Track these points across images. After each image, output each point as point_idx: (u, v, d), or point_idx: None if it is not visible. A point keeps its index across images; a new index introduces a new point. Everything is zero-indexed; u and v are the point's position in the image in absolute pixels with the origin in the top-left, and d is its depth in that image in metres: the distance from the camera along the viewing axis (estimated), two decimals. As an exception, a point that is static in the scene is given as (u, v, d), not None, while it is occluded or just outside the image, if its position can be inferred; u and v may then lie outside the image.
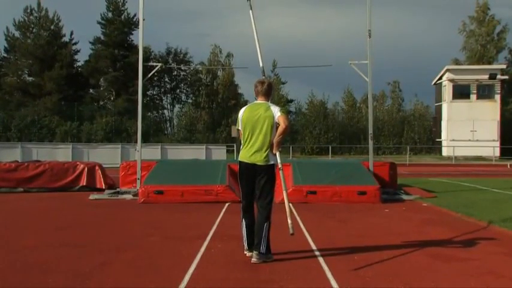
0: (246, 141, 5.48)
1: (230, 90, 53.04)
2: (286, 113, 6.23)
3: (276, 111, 5.43)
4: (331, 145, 39.60)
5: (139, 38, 12.75)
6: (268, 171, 5.41)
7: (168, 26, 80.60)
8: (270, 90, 5.62)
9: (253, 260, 5.28)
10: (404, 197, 11.71)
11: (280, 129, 5.34)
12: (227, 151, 32.16)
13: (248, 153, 5.43)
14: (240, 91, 55.14)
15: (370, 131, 12.63)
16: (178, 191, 10.75)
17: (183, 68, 53.83)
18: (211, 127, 48.79)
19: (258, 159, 5.38)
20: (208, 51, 54.41)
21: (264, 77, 6.15)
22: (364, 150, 38.84)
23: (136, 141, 14.84)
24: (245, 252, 5.52)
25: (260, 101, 5.57)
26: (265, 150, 5.38)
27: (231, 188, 10.90)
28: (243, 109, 5.64)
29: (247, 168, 5.42)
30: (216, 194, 10.69)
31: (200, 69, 54.41)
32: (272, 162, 5.44)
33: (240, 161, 5.51)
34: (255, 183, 5.43)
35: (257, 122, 5.40)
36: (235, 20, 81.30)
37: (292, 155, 37.35)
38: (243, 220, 5.56)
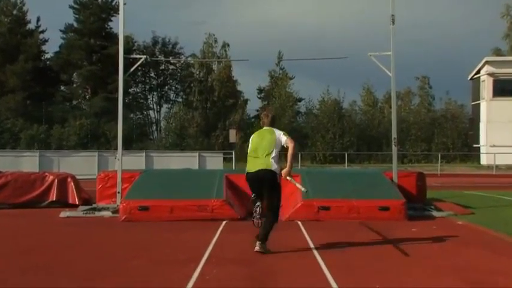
0: (250, 156, 7.56)
1: (227, 87, 53.18)
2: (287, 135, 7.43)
3: (281, 134, 7.60)
4: (347, 152, 39.60)
5: (119, 25, 12.78)
6: (273, 177, 7.35)
7: (154, 12, 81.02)
8: (273, 122, 7.86)
9: (256, 248, 7.23)
10: (435, 213, 11.71)
11: (290, 150, 7.34)
12: (224, 159, 32.17)
13: (252, 164, 7.48)
14: (239, 88, 55.33)
15: (394, 135, 12.64)
16: (167, 206, 10.77)
17: (171, 61, 54.02)
18: (205, 131, 48.89)
19: (261, 164, 7.37)
20: (202, 41, 54.65)
21: (268, 108, 8.63)
22: (387, 158, 38.80)
23: (116, 148, 14.86)
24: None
25: (266, 127, 7.79)
26: (266, 156, 7.40)
27: (229, 203, 10.92)
28: (252, 135, 7.80)
29: (253, 177, 7.43)
30: (211, 210, 10.71)
31: (192, 62, 54.57)
32: (275, 169, 7.34)
33: (247, 173, 7.53)
34: (263, 189, 7.37)
35: (262, 141, 7.58)
36: (233, 5, 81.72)
37: (301, 163, 37.35)
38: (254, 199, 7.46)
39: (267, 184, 7.35)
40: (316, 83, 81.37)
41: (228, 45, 54.58)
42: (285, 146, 7.49)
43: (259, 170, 7.35)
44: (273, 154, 7.44)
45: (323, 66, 76.12)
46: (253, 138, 7.76)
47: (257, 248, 7.26)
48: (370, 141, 46.35)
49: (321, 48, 68.71)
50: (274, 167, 7.37)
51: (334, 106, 47.84)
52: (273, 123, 7.86)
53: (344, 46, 67.42)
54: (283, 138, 7.53)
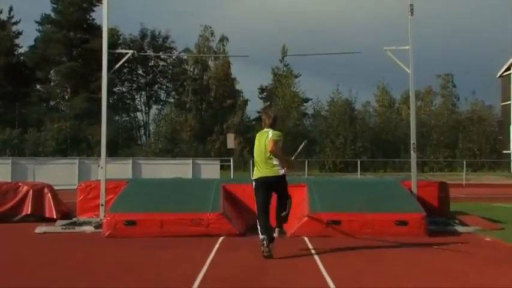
0: (257, 164, 8.77)
1: (225, 85, 53.39)
2: (278, 136, 7.91)
3: (270, 135, 8.60)
4: (359, 159, 39.61)
5: (103, 16, 12.80)
6: (281, 180, 8.73)
7: (143, 1, 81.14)
8: (275, 123, 8.82)
9: (275, 234, 8.68)
10: (460, 228, 11.70)
11: (273, 155, 8.56)
12: (221, 167, 32.20)
13: (261, 172, 8.69)
14: (238, 87, 55.59)
15: (413, 139, 12.64)
16: (156, 220, 10.77)
17: (162, 57, 54.27)
18: (200, 135, 49.00)
19: (268, 171, 8.65)
20: (197, 35, 54.89)
21: (271, 110, 9.81)
22: (405, 165, 38.83)
23: (99, 155, 14.87)
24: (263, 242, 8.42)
25: (265, 129, 8.81)
26: (273, 167, 8.64)
27: (227, 216, 10.92)
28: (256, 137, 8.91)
29: (263, 182, 8.63)
30: (206, 224, 10.70)
31: (185, 57, 54.76)
32: (281, 173, 8.67)
33: (255, 179, 8.76)
34: (271, 192, 8.71)
35: (262, 148, 8.70)
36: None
37: (307, 172, 37.35)
38: (261, 217, 8.63)
39: (276, 186, 8.74)
40: (325, 82, 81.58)
41: (227, 40, 54.87)
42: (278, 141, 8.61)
43: (267, 177, 8.63)
44: (279, 153, 8.63)
45: (333, 62, 76.42)
46: (255, 142, 8.87)
47: (276, 234, 8.70)
48: (385, 146, 46.40)
49: (331, 43, 68.85)
50: (280, 172, 8.66)
51: (345, 107, 47.94)
52: (274, 124, 8.80)
53: (357, 40, 67.67)
54: (267, 140, 8.60)
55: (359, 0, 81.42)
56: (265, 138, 8.73)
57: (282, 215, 8.86)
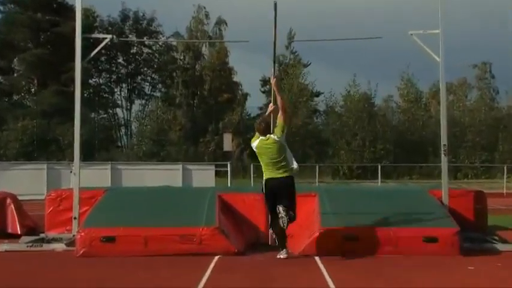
0: (267, 167, 10.37)
1: (222, 77, 53.42)
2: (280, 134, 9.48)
3: (276, 135, 10.39)
4: (380, 163, 39.58)
5: (76, -6, 12.85)
6: (291, 181, 10.39)
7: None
8: (268, 128, 10.53)
9: (283, 256, 10.22)
10: (500, 246, 11.67)
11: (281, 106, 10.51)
12: (217, 173, 32.20)
13: (272, 174, 10.31)
14: (236, 78, 55.59)
15: (444, 140, 12.63)
16: (140, 237, 10.77)
17: (147, 43, 54.22)
18: (191, 136, 49.02)
19: (280, 173, 10.31)
20: (188, 17, 54.94)
21: (259, 120, 10.90)
22: (434, 171, 38.83)
23: (72, 159, 14.88)
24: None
25: (263, 137, 10.41)
26: (284, 168, 10.33)
27: (223, 231, 10.91)
28: (256, 141, 10.50)
29: (273, 183, 10.26)
30: (199, 241, 10.70)
31: (174, 44, 54.75)
32: (292, 173, 10.42)
33: (266, 179, 10.38)
34: (279, 193, 10.21)
35: (269, 150, 10.33)
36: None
37: (319, 179, 37.39)
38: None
39: (286, 189, 10.28)
40: (340, 72, 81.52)
41: (225, 23, 54.86)
42: (282, 130, 10.42)
43: (279, 178, 10.28)
44: (284, 158, 10.36)
45: (349, 49, 76.19)
46: (258, 144, 10.45)
47: (283, 256, 10.21)
48: (411, 149, 46.37)
49: (346, 26, 68.72)
50: (291, 171, 10.43)
51: (364, 102, 47.95)
52: (269, 131, 10.46)
53: (377, 23, 67.52)
54: (279, 136, 10.35)
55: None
56: (272, 146, 10.32)
57: (280, 242, 10.47)
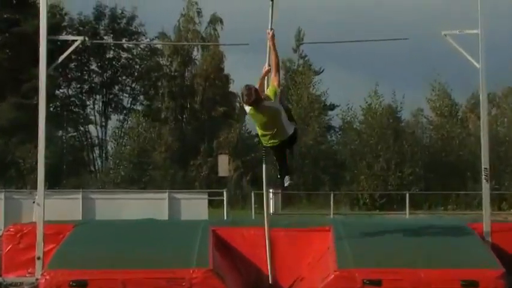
0: (261, 136, 10.95)
1: (216, 86, 53.56)
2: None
3: (272, 100, 10.69)
4: (408, 191, 39.52)
5: (41, -12, 12.81)
6: (292, 136, 11.05)
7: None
8: (259, 99, 10.52)
9: (287, 184, 11.11)
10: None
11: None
12: (210, 203, 32.17)
13: (267, 143, 10.94)
14: (232, 88, 55.60)
15: (485, 163, 12.53)
16: (117, 280, 10.68)
17: (126, 46, 54.39)
18: (180, 158, 49.05)
19: (279, 139, 10.84)
20: (177, 15, 55.16)
21: (245, 89, 10.60)
22: (474, 200, 38.75)
23: (35, 186, 14.81)
24: None
25: (254, 108, 10.68)
26: (281, 137, 10.83)
27: (218, 274, 10.84)
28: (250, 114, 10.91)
29: (271, 148, 11.08)
30: (189, 285, 10.63)
31: (160, 47, 54.90)
32: (291, 132, 10.99)
33: (264, 147, 11.28)
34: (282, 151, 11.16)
35: (263, 121, 10.73)
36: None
37: (334, 209, 37.34)
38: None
39: (288, 144, 11.18)
40: (359, 80, 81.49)
41: (221, 21, 55.02)
42: (274, 93, 10.77)
43: (277, 145, 10.90)
44: (281, 127, 10.77)
45: (369, 53, 76.22)
46: (251, 118, 11.10)
47: (287, 183, 11.11)
48: (446, 173, 46.41)
49: (365, 26, 69.02)
50: (290, 131, 10.96)
51: (388, 117, 48.01)
52: (260, 99, 10.55)
53: (402, 22, 67.84)
54: (273, 102, 10.72)
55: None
56: (269, 115, 10.67)
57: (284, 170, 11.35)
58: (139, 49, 55.12)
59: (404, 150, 46.43)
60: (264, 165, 11.99)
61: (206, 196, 32.33)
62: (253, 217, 29.55)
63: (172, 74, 54.35)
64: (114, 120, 54.89)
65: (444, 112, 52.12)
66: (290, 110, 11.93)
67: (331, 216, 33.47)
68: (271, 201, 36.37)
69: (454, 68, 48.70)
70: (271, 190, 36.68)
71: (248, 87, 10.59)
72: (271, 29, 11.17)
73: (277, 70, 10.92)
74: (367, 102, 49.75)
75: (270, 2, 11.20)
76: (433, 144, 49.69)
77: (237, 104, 55.51)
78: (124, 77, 55.97)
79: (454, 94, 52.72)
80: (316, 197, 45.27)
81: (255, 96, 10.49)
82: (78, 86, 55.15)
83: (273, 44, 11.06)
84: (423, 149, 48.06)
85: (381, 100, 49.14)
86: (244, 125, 54.11)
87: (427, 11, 70.21)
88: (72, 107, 54.57)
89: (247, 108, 10.72)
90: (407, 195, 37.69)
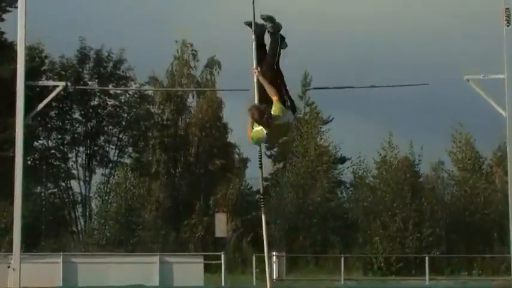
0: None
1: (213, 137, 53.52)
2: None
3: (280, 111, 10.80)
4: (428, 254, 39.33)
5: (18, 27, 12.88)
6: None
7: (82, 1, 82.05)
8: (268, 116, 10.62)
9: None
10: None
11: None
12: (206, 267, 31.98)
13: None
14: (232, 139, 55.56)
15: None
16: None
17: (113, 92, 54.41)
18: (172, 216, 48.87)
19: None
20: (170, 57, 55.32)
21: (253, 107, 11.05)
22: (502, 264, 38.54)
23: (10, 249, 14.78)
24: None
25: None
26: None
27: None
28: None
29: None
30: None
31: (150, 93, 54.97)
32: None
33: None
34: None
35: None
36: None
37: (345, 274, 37.16)
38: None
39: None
40: (372, 130, 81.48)
41: (218, 65, 55.16)
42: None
43: None
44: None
45: (383, 99, 76.45)
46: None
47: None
48: (470, 234, 46.21)
49: (378, 69, 69.33)
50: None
51: (405, 171, 47.92)
52: (270, 115, 10.70)
53: (420, 65, 68.04)
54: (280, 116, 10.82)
55: (427, 6, 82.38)
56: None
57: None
58: (128, 95, 55.05)
59: (423, 208, 46.22)
60: (263, 224, 11.73)
61: (202, 260, 32.24)
62: (254, 283, 29.41)
63: (164, 123, 54.37)
64: (99, 174, 54.56)
65: (467, 166, 51.95)
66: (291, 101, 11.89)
67: (342, 282, 33.38)
68: (274, 265, 36.19)
69: (477, 116, 48.83)
70: (274, 253, 36.59)
71: (256, 107, 11.07)
72: (258, 66, 11.44)
73: (275, 94, 11.04)
74: (380, 155, 49.77)
75: (253, 36, 11.55)
76: (455, 201, 49.49)
77: (236, 156, 55.67)
78: (110, 127, 55.71)
79: (478, 145, 52.66)
80: (325, 260, 44.90)
81: (267, 114, 10.75)
82: (59, 136, 54.92)
83: (264, 79, 11.25)
84: (444, 206, 47.85)
85: (397, 152, 49.12)
86: (245, 180, 53.99)
87: (447, 53, 70.49)
88: (53, 160, 54.33)
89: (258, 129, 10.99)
90: (426, 258, 37.54)
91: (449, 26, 75.72)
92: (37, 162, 51.34)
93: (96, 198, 52.33)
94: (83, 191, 54.36)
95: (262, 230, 11.70)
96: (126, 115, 55.19)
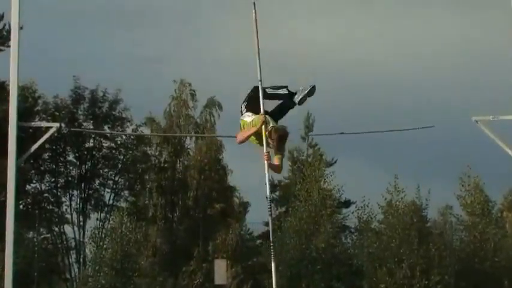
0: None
1: (212, 180, 53.47)
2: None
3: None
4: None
5: (11, 67, 12.81)
6: None
7: (76, 40, 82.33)
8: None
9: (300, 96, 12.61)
10: None
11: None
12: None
13: None
14: (232, 182, 55.50)
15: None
16: None
17: (108, 134, 54.53)
18: (170, 263, 48.74)
19: None
20: (167, 98, 55.44)
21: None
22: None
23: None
24: None
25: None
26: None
27: None
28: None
29: None
30: None
31: (147, 135, 55.06)
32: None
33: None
34: None
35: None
36: (225, 26, 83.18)
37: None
38: None
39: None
40: (377, 173, 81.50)
41: (219, 106, 55.26)
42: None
43: None
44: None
45: (388, 142, 76.61)
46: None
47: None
48: (480, 281, 46.03)
49: (383, 111, 69.47)
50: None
51: (411, 215, 47.86)
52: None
53: (425, 106, 68.18)
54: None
55: (435, 41, 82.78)
56: None
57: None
58: (124, 138, 55.17)
59: (431, 255, 46.03)
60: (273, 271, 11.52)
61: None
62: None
63: (162, 165, 54.42)
64: (93, 219, 54.56)
65: (476, 210, 51.72)
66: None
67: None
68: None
69: (487, 158, 48.88)
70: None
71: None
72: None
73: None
74: (386, 199, 49.68)
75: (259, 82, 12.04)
76: (464, 247, 49.33)
77: (236, 200, 55.57)
78: (106, 170, 55.85)
79: (487, 189, 52.52)
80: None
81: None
82: (53, 179, 55.00)
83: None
84: (453, 253, 47.70)
85: (402, 196, 49.02)
86: (245, 225, 53.93)
87: (454, 94, 70.71)
88: (45, 204, 54.33)
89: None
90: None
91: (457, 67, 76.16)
92: (29, 206, 51.31)
93: (90, 243, 52.14)
94: (77, 236, 54.39)
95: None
96: (122, 157, 55.35)
